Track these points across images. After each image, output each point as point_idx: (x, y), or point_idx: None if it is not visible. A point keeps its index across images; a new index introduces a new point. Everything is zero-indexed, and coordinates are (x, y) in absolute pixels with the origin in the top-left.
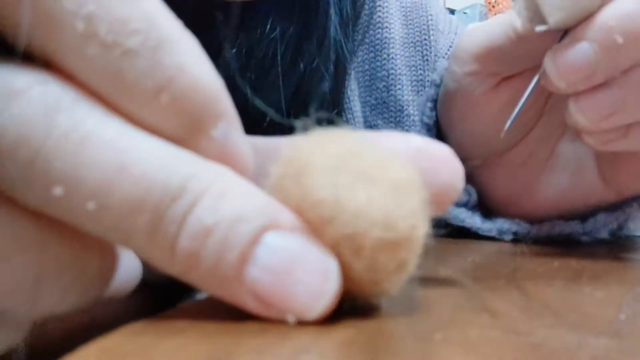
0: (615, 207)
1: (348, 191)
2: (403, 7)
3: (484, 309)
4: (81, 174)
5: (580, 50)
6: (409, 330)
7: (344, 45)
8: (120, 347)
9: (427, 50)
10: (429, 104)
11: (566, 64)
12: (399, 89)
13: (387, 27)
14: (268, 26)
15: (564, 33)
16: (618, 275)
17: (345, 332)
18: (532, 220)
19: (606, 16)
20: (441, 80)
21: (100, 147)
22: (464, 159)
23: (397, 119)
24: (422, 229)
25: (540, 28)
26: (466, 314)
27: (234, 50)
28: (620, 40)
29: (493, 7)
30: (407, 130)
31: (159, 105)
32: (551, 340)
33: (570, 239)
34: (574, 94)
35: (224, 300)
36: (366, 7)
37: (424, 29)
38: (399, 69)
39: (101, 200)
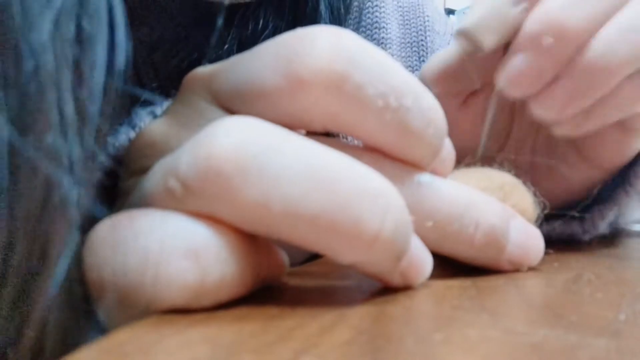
0: (606, 198)
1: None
2: (400, 7)
3: (484, 309)
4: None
5: (520, 61)
6: (408, 331)
7: None
8: (121, 347)
9: (423, 50)
10: None
11: (513, 77)
12: None
13: (384, 27)
14: (260, 23)
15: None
16: (618, 275)
17: (345, 332)
18: None
19: (531, 24)
20: None
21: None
22: None
23: None
24: (531, 212)
25: (480, 54)
26: (466, 314)
27: (226, 47)
28: (550, 40)
29: None
30: None
31: (427, 138)
32: (551, 341)
33: (572, 239)
34: (532, 96)
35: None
36: (355, 3)
37: (420, 30)
38: None
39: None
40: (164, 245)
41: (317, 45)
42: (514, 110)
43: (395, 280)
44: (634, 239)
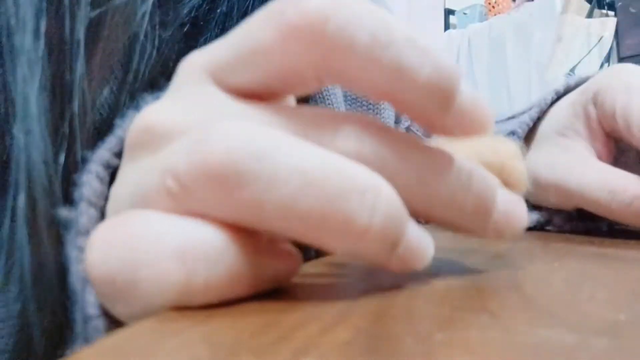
0: None
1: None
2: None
3: (484, 310)
4: None
5: None
6: (409, 331)
7: None
8: (121, 348)
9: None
10: None
11: None
12: None
13: None
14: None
15: None
16: (618, 275)
17: (345, 333)
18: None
19: None
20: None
21: None
22: None
23: (375, 111)
24: (518, 168)
25: None
26: (466, 315)
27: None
28: None
29: (493, 7)
30: (387, 120)
31: (423, 78)
32: (551, 341)
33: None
34: None
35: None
36: None
37: None
38: None
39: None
40: (154, 247)
41: None
42: None
43: (394, 265)
44: (633, 239)
